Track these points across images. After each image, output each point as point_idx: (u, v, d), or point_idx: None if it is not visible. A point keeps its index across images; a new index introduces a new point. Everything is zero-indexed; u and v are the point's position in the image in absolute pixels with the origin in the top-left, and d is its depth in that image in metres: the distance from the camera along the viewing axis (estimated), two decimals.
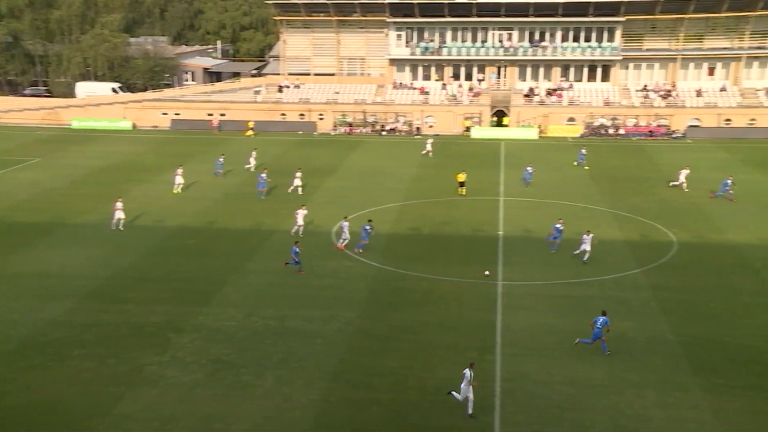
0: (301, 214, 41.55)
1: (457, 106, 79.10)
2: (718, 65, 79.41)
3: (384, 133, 77.66)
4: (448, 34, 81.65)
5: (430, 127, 78.18)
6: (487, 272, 32.54)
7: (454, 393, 23.77)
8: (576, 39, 79.96)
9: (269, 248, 39.74)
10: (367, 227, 39.10)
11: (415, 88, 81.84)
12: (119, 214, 42.83)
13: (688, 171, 52.31)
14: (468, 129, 76.83)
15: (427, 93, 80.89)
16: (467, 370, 23.47)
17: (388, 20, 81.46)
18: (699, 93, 77.51)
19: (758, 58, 78.34)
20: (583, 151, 60.34)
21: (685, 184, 51.58)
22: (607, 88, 79.78)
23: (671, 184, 52.53)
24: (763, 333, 29.01)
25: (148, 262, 37.65)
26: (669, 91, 78.09)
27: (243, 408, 23.94)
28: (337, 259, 37.96)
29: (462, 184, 50.89)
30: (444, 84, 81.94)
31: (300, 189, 50.79)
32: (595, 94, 79.17)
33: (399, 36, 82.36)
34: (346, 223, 39.67)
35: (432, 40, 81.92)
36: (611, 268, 36.43)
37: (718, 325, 29.87)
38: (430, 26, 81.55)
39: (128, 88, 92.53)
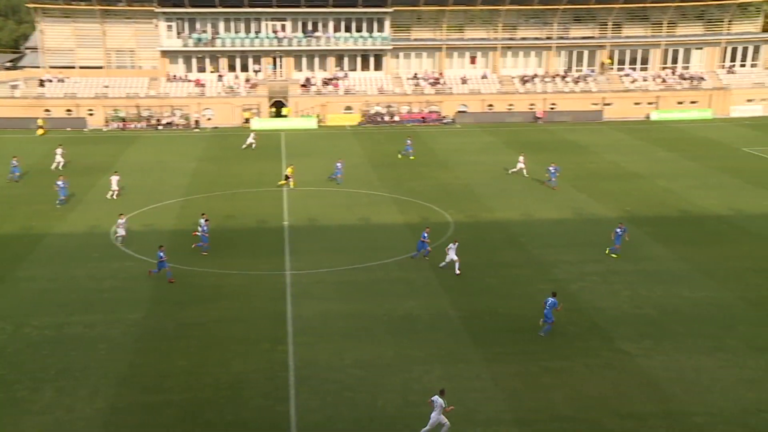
0: (122, 224, 38.81)
1: (234, 97, 78.05)
2: (479, 54, 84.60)
3: (160, 127, 74.98)
4: (221, 25, 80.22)
5: (209, 119, 76.60)
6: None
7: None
8: (348, 29, 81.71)
9: (40, 253, 37.13)
10: (202, 222, 37.43)
11: (190, 81, 79.68)
12: None
13: (524, 157, 54.01)
14: (248, 120, 76.12)
15: (203, 85, 79.06)
16: (437, 396, 21.80)
17: (157, 10, 78.47)
18: (464, 80, 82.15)
19: (511, 48, 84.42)
20: (409, 141, 61.17)
21: (525, 170, 53.23)
22: (380, 77, 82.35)
23: (510, 171, 54.05)
24: (531, 302, 31.42)
25: None
26: (437, 79, 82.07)
27: (17, 427, 22.24)
28: (119, 259, 36.26)
29: (288, 177, 50.66)
30: (220, 75, 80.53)
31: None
32: (370, 82, 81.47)
33: (170, 27, 79.68)
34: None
35: (204, 31, 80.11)
36: (394, 250, 37.77)
37: (493, 298, 31.98)
38: (201, 17, 79.63)
39: None
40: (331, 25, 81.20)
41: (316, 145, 64.18)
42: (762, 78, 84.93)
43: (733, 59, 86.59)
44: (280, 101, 79.03)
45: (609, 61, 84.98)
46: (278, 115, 78.89)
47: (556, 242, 38.94)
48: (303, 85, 79.69)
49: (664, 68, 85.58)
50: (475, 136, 70.77)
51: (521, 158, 53.84)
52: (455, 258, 34.34)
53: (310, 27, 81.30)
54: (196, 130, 73.94)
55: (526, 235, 40.48)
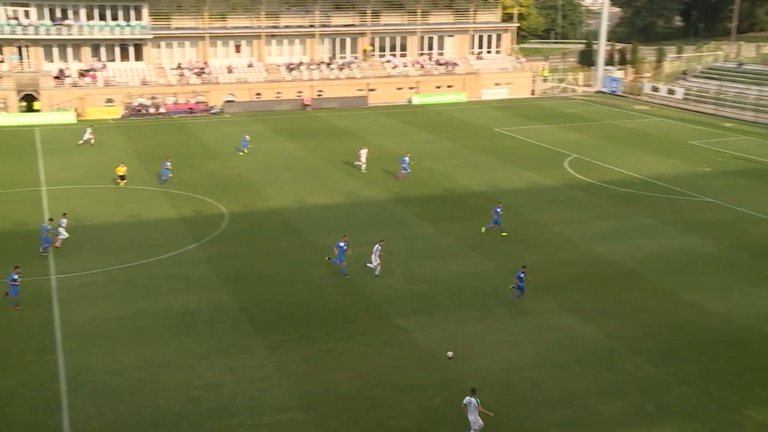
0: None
1: None
2: (243, 43, 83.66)
3: None
4: None
5: None
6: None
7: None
8: (103, 17, 77.21)
9: None
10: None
11: None
12: None
13: (366, 150, 52.23)
14: None
15: None
16: (469, 397, 21.00)
17: None
18: (230, 69, 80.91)
19: (275, 36, 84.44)
20: (246, 137, 58.16)
21: (364, 166, 51.39)
22: (142, 68, 78.87)
23: (356, 164, 51.86)
24: (310, 288, 31.81)
25: None
26: (202, 68, 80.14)
27: None
28: None
29: (123, 177, 47.35)
30: None
31: None
32: (131, 73, 77.79)
33: None
34: None
35: None
36: (168, 246, 36.54)
37: (273, 286, 31.97)
38: None
39: None
40: (83, 12, 76.24)
41: (76, 141, 60.24)
42: (505, 64, 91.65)
43: (480, 46, 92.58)
44: (31, 95, 73.19)
45: (370, 48, 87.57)
46: (29, 109, 73.02)
47: (331, 226, 39.63)
48: (56, 77, 74.37)
49: (421, 54, 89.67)
50: (245, 125, 70.03)
51: (363, 151, 52.09)
52: (378, 262, 33.12)
53: (59, 14, 75.86)
54: None
55: (301, 221, 40.82)
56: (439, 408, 22.87)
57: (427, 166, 53.10)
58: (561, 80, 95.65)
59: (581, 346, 26.70)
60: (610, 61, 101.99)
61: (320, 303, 30.25)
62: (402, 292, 31.49)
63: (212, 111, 76.54)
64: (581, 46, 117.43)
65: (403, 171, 49.25)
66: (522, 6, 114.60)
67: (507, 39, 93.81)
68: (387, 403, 23.17)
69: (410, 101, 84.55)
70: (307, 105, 79.67)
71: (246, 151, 56.91)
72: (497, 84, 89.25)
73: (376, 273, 32.87)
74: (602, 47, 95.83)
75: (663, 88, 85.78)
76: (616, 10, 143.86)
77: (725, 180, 49.83)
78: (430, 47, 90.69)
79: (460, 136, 65.12)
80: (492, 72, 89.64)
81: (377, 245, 33.16)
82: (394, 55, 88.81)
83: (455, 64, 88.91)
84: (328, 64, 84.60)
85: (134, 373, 24.61)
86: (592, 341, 27.09)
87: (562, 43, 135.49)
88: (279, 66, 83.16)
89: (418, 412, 22.68)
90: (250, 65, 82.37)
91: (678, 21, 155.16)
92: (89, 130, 61.02)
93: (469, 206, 43.96)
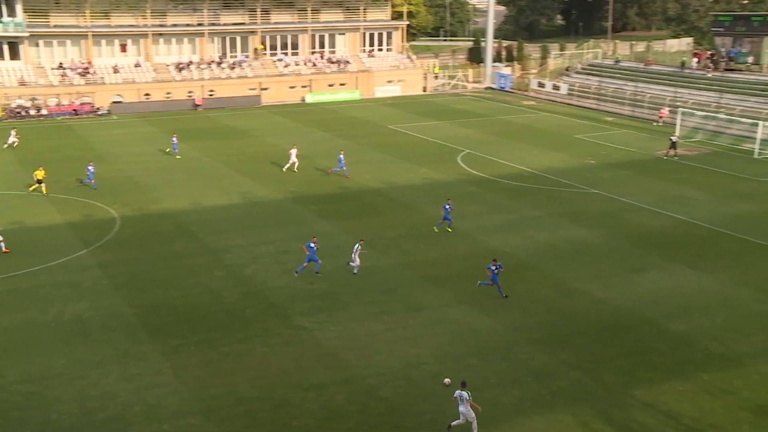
0: None
1: None
2: (129, 42, 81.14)
3: None
4: None
5: None
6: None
7: (453, 423, 21.34)
8: None
9: None
10: None
11: None
12: None
13: (296, 150, 51.17)
14: None
15: None
16: (460, 391, 21.22)
17: None
18: (116, 69, 78.41)
19: (162, 35, 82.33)
20: (174, 139, 55.91)
21: (296, 164, 50.65)
22: (19, 67, 75.33)
23: (285, 168, 50.83)
24: (207, 290, 31.25)
25: None
26: (86, 68, 77.31)
27: None
28: None
29: (40, 182, 44.74)
30: None
31: None
32: (8, 73, 74.20)
33: None
34: None
35: None
36: (57, 253, 35.12)
37: (168, 290, 31.22)
38: None
39: None
40: None
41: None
42: (397, 61, 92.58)
43: (371, 44, 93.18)
44: None
45: (262, 46, 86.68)
46: None
47: (227, 228, 39.05)
48: None
49: (313, 53, 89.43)
50: (134, 126, 68.12)
51: (293, 151, 51.21)
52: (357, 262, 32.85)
53: None
54: None
55: (196, 223, 40.02)
56: (342, 406, 22.90)
57: (323, 164, 53.03)
58: (452, 77, 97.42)
59: (479, 338, 27.29)
60: (497, 58, 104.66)
61: (218, 305, 29.75)
62: (301, 291, 31.35)
63: (99, 112, 74.01)
64: (470, 44, 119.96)
65: (341, 168, 49.37)
66: (411, 4, 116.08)
67: (397, 37, 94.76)
68: (290, 403, 23.03)
69: (304, 100, 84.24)
70: (199, 105, 78.15)
71: (180, 156, 54.87)
72: (390, 81, 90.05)
73: (355, 272, 32.83)
74: (490, 44, 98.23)
75: (548, 84, 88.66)
76: (502, 8, 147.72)
77: (608, 172, 51.96)
78: (322, 45, 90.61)
79: (355, 133, 65.36)
80: (384, 70, 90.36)
81: (357, 244, 33.07)
82: (286, 54, 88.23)
83: (347, 62, 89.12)
84: (219, 64, 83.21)
85: (21, 387, 23.53)
86: (489, 332, 27.73)
87: (451, 40, 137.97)
88: (168, 66, 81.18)
89: (321, 410, 22.65)
90: (137, 65, 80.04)
91: (560, 20, 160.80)
92: (13, 132, 58.40)
93: (365, 203, 44.17)
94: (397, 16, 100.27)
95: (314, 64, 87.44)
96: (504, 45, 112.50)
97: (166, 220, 40.66)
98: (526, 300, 30.66)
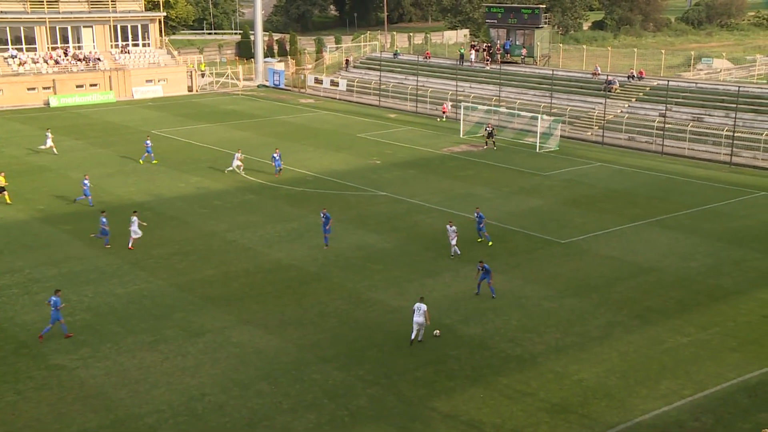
0: None
1: None
2: None
3: None
4: None
5: None
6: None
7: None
8: None
9: None
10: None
11: None
12: None
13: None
14: None
15: None
16: (419, 303, 28.03)
17: None
18: None
19: None
20: (149, 142, 54.51)
21: (241, 167, 51.73)
22: None
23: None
24: None
25: None
26: None
27: None
28: None
29: (3, 189, 41.72)
30: None
31: None
32: None
33: None
34: None
35: None
36: None
37: None
38: None
39: None
40: None
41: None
42: (156, 58, 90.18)
43: (125, 39, 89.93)
44: None
45: None
46: None
47: None
48: None
49: (54, 48, 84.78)
50: None
51: (238, 155, 52.52)
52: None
53: None
54: None
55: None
56: None
57: (77, 177, 50.33)
58: (220, 75, 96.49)
59: (267, 361, 27.21)
60: (269, 53, 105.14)
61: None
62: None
63: None
64: (238, 37, 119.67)
65: (276, 166, 51.92)
66: None
67: (154, 30, 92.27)
68: None
69: (48, 103, 79.72)
70: None
71: (156, 162, 54.97)
72: (149, 81, 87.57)
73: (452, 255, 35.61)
74: (259, 38, 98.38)
75: (326, 80, 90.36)
76: None
77: (395, 172, 53.85)
78: (65, 40, 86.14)
79: (112, 141, 62.87)
80: (142, 68, 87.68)
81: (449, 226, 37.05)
82: (21, 50, 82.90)
83: (98, 59, 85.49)
84: None
85: None
86: (277, 353, 27.73)
87: (216, 33, 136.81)
88: None
89: None
90: None
91: (333, 11, 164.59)
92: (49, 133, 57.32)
93: (129, 219, 42.52)
94: (152, 6, 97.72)
95: (57, 62, 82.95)
96: (275, 38, 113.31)
97: None
98: (316, 314, 31.00)
